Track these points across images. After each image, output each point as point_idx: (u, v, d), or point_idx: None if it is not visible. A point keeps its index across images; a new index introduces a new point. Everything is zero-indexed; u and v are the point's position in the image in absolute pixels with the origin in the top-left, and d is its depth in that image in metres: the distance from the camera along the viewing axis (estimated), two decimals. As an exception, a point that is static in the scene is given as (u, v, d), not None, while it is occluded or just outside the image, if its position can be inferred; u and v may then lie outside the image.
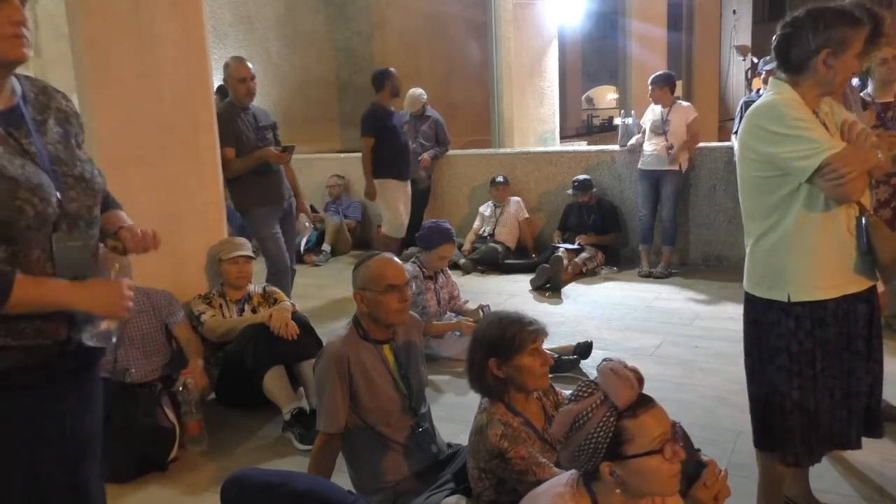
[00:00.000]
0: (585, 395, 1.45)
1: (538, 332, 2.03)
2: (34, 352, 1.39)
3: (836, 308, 1.96)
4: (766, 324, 2.04)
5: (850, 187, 1.82)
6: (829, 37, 1.89)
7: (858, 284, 1.97)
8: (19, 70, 1.44)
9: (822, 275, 1.94)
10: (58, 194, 1.39)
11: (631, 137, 6.05)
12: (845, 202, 1.90)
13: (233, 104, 4.21)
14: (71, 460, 1.50)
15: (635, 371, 1.44)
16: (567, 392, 2.15)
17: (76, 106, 1.59)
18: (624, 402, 1.39)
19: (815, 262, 1.94)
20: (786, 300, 1.97)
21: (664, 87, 5.72)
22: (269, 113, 4.54)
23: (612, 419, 1.39)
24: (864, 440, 2.07)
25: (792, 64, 1.96)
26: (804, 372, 1.98)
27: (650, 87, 5.76)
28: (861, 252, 1.92)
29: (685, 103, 5.91)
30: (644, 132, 5.84)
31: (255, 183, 4.17)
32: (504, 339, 2.00)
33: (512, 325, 2.02)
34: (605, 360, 1.48)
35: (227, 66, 4.21)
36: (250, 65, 4.23)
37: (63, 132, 1.50)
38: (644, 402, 1.41)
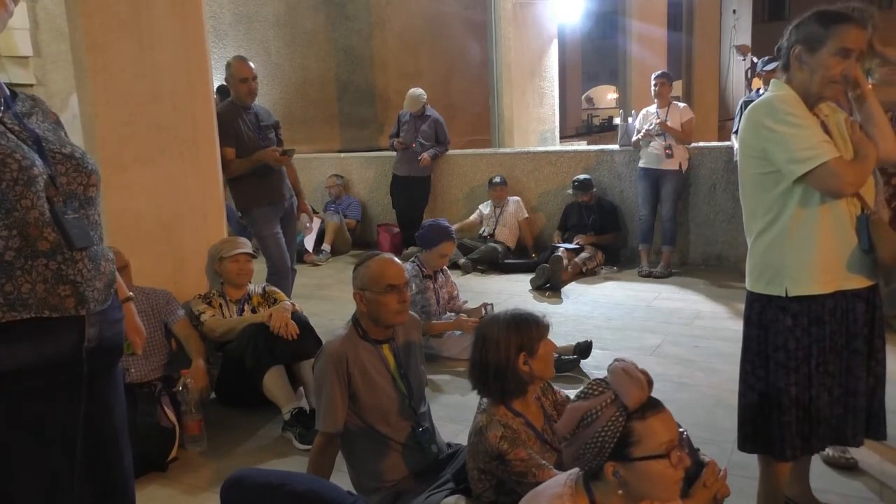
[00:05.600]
0: (596, 393, 1.44)
1: (547, 323, 2.08)
2: (45, 341, 1.36)
3: (833, 306, 1.96)
4: (765, 321, 2.04)
5: (840, 184, 1.85)
6: (803, 32, 1.93)
7: (857, 281, 1.97)
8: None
9: (820, 269, 1.95)
10: (49, 169, 1.39)
11: (630, 138, 6.05)
12: (838, 198, 1.91)
13: (234, 104, 4.21)
14: (90, 460, 1.49)
15: (645, 373, 1.44)
16: (566, 392, 2.16)
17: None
18: (634, 403, 1.39)
19: (813, 257, 1.94)
20: (784, 295, 1.98)
21: (668, 84, 5.74)
22: (271, 112, 4.54)
23: (621, 419, 1.38)
24: (865, 441, 2.07)
25: (782, 61, 2.01)
26: (801, 368, 1.98)
27: (656, 81, 5.76)
28: (863, 250, 1.92)
29: (681, 104, 5.92)
30: (641, 131, 5.83)
31: (255, 183, 4.17)
32: (530, 333, 2.02)
33: (527, 318, 2.05)
34: (616, 359, 1.47)
35: (229, 66, 4.21)
36: (252, 65, 4.23)
37: (52, 128, 1.51)
38: (653, 406, 1.41)
